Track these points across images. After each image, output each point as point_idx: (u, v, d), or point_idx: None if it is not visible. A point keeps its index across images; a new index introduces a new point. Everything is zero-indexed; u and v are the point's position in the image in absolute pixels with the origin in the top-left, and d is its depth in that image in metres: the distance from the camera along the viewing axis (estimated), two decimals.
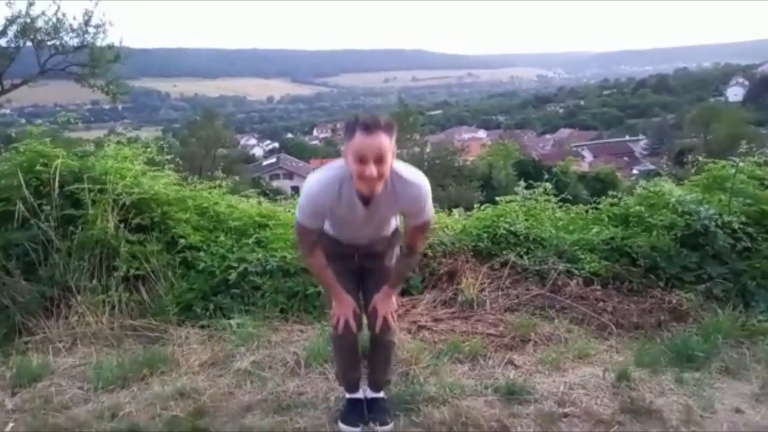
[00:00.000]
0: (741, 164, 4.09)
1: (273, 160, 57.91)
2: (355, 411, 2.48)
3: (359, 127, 1.95)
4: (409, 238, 2.36)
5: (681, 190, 4.16)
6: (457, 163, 32.82)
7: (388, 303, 2.42)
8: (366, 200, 2.13)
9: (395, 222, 2.46)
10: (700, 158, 4.55)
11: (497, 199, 4.46)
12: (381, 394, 2.56)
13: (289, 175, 48.64)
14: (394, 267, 2.47)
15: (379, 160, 1.95)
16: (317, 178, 2.16)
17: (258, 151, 76.34)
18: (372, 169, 1.94)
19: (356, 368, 2.57)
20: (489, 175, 31.58)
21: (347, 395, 2.56)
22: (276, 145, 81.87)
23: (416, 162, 33.54)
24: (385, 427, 2.42)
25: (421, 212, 2.24)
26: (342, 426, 2.44)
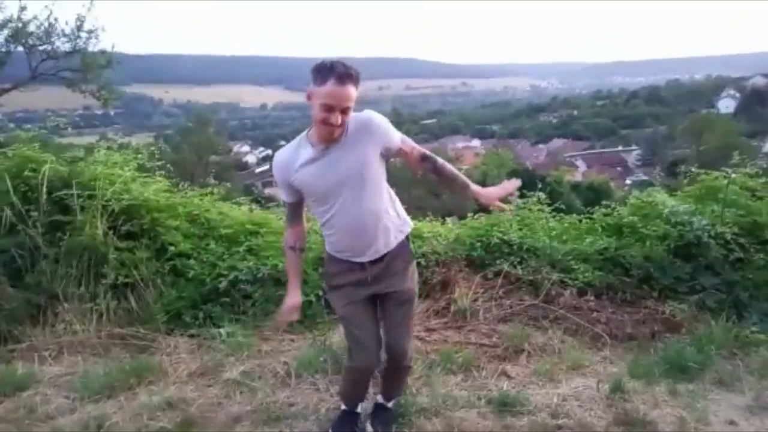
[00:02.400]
0: (734, 175, 4.10)
1: (266, 167, 57.75)
2: (348, 422, 2.45)
3: (333, 77, 1.94)
4: (418, 164, 2.22)
5: (674, 201, 4.15)
6: None
7: (492, 193, 2.34)
8: (324, 149, 2.08)
9: (400, 222, 2.25)
10: (693, 169, 4.56)
11: (490, 208, 4.43)
12: (390, 404, 2.56)
13: None
14: (446, 168, 2.27)
15: (345, 110, 1.99)
16: (278, 151, 2.22)
17: (251, 158, 76.14)
18: (337, 117, 1.98)
19: (363, 394, 2.50)
20: (483, 184, 31.56)
21: (343, 407, 2.51)
22: (269, 152, 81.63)
23: (410, 170, 33.49)
24: None
25: (387, 137, 2.13)
26: None
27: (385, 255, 2.20)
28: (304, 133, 2.15)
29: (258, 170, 56.22)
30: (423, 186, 28.38)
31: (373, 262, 2.20)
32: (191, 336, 3.36)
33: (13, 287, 3.39)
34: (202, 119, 39.10)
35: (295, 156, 2.14)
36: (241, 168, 54.00)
